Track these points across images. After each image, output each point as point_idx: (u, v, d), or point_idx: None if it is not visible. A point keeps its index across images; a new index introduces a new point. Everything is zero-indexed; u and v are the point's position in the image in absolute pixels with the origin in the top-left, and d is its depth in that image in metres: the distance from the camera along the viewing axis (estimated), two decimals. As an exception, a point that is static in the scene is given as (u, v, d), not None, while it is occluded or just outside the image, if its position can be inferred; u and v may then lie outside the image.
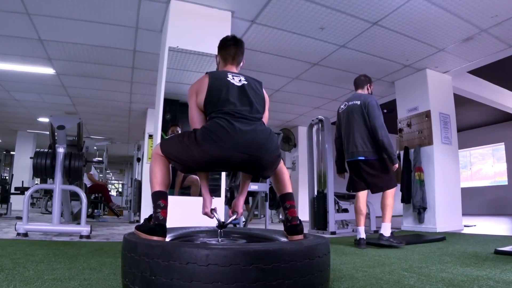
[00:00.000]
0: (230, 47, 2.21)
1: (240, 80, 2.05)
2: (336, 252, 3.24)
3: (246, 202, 6.99)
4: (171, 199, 1.85)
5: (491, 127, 12.06)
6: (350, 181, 4.04)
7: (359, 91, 4.15)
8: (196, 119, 2.01)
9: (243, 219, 5.77)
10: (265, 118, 2.13)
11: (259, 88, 2.12)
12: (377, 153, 3.81)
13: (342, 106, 4.14)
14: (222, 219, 2.05)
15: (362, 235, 3.74)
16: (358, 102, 3.93)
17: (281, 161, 2.09)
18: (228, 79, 2.02)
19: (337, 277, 2.15)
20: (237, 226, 5.57)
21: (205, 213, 2.05)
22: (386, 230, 3.75)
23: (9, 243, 3.34)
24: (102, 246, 3.34)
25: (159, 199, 1.80)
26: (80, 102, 8.56)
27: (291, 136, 10.84)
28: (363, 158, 3.81)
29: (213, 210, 2.04)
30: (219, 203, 4.06)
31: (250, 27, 4.88)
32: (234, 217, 2.10)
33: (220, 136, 1.81)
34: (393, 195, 3.87)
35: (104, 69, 6.49)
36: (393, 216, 3.94)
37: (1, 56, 5.90)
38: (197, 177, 4.23)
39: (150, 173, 1.90)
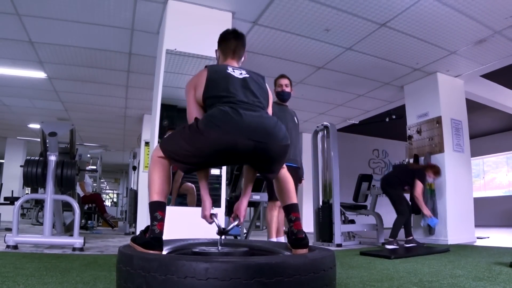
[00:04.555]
0: (231, 41, 2.20)
1: (241, 74, 2.02)
2: (342, 266, 3.22)
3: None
4: (168, 209, 1.84)
5: (506, 134, 12.01)
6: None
7: None
8: (195, 116, 1.96)
9: (245, 231, 5.74)
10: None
11: (262, 81, 2.10)
12: None
13: None
14: (222, 226, 2.02)
15: None
16: None
17: (286, 168, 2.07)
18: (228, 71, 2.00)
19: (343, 292, 2.14)
20: (238, 238, 5.54)
21: (204, 216, 2.00)
22: None
23: (-2, 256, 3.33)
24: (96, 259, 3.33)
25: (157, 210, 1.79)
26: (72, 107, 8.59)
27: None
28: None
29: (213, 215, 1.99)
30: (219, 213, 4.05)
31: (252, 28, 4.90)
32: (235, 223, 2.02)
33: (224, 121, 1.77)
34: None
35: (98, 73, 6.51)
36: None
37: (-10, 59, 5.92)
38: (193, 186, 4.24)
39: (149, 180, 1.88)
